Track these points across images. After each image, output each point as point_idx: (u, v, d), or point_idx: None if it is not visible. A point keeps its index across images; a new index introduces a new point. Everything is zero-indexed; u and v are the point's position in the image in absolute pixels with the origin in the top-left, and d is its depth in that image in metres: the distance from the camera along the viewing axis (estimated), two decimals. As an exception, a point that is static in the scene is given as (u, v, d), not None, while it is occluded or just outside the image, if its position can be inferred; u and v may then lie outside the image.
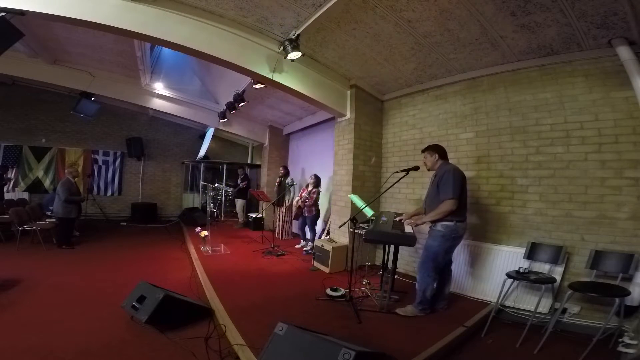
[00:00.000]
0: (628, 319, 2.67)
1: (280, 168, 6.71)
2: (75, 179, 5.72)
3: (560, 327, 2.91)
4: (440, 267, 3.10)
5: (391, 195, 4.89)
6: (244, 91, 5.88)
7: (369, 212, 3.74)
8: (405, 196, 4.75)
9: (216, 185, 8.35)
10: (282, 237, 6.75)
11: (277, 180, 6.69)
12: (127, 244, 6.11)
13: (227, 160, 9.59)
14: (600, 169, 3.03)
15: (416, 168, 3.35)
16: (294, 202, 5.91)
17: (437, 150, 3.22)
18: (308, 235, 5.84)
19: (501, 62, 3.68)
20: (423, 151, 3.34)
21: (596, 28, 2.82)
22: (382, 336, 2.66)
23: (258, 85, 4.87)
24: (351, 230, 3.78)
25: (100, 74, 6.46)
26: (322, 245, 4.72)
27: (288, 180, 6.35)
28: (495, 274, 3.48)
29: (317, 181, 5.58)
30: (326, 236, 5.58)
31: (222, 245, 5.61)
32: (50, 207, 6.28)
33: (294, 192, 6.57)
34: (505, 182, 3.69)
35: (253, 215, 8.15)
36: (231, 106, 6.45)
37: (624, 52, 2.81)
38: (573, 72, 3.26)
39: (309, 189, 5.55)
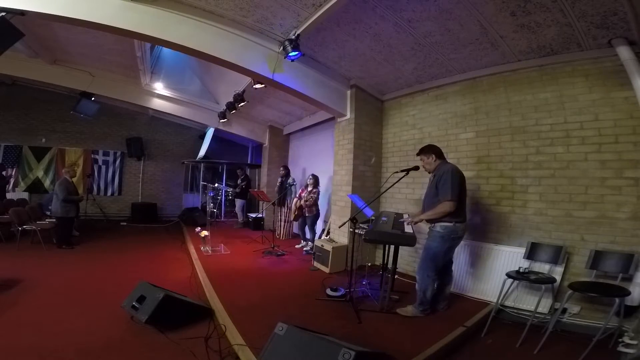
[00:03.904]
0: (628, 319, 2.67)
1: (281, 168, 6.70)
2: (73, 179, 5.72)
3: (560, 327, 2.91)
4: (439, 268, 3.09)
5: (391, 195, 4.89)
6: (244, 91, 5.87)
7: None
8: (405, 196, 4.75)
9: (216, 185, 8.35)
10: (282, 237, 6.76)
11: (279, 180, 6.69)
12: (127, 244, 6.12)
13: (227, 160, 9.59)
14: (600, 169, 3.03)
15: (416, 168, 3.34)
16: (294, 203, 5.91)
17: (433, 151, 3.19)
18: (308, 235, 5.84)
19: (501, 62, 3.68)
20: (418, 154, 3.30)
21: (596, 28, 2.82)
22: (382, 336, 2.66)
23: (258, 85, 4.87)
24: (351, 230, 3.78)
25: (100, 74, 6.46)
26: (322, 245, 4.72)
27: (289, 180, 6.35)
28: (495, 274, 3.48)
29: (315, 181, 5.58)
30: (326, 236, 5.58)
31: (222, 245, 5.61)
32: (50, 207, 6.28)
33: (295, 192, 6.57)
34: (505, 182, 3.69)
35: (253, 215, 8.16)
36: (231, 106, 6.45)
37: (624, 52, 2.81)
38: (573, 72, 3.26)
39: (309, 189, 5.55)
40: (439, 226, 2.99)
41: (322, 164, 6.50)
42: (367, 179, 5.05)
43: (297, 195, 5.83)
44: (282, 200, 6.49)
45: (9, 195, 7.23)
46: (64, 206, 5.24)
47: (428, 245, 3.08)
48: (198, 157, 9.44)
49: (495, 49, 3.47)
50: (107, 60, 5.94)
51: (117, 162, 9.29)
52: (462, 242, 3.39)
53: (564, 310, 2.95)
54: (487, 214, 3.79)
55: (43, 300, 3.20)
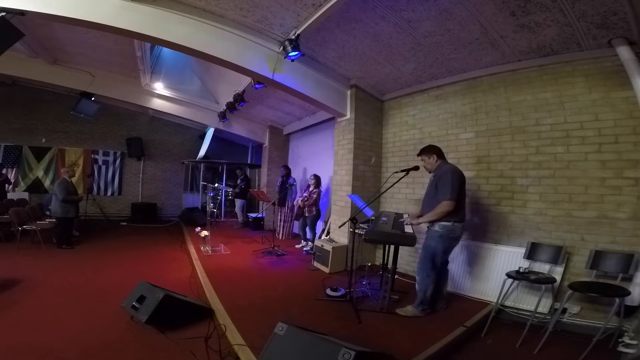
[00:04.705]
0: (628, 318, 2.67)
1: (282, 168, 6.70)
2: (72, 179, 5.72)
3: (560, 327, 2.91)
4: (438, 267, 3.10)
5: (391, 195, 4.89)
6: (244, 91, 5.87)
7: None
8: (405, 196, 4.75)
9: (216, 185, 8.36)
10: (282, 237, 6.76)
11: (279, 180, 6.68)
12: (127, 244, 6.11)
13: (227, 160, 9.59)
14: (600, 169, 3.03)
15: (416, 168, 3.35)
16: (295, 203, 5.91)
17: (434, 151, 3.20)
18: (308, 235, 5.84)
19: (501, 62, 3.68)
20: (419, 155, 3.31)
21: (596, 28, 2.82)
22: (382, 336, 2.66)
23: (258, 85, 4.87)
24: (351, 230, 3.78)
25: (100, 74, 6.46)
26: (322, 245, 4.72)
27: (290, 180, 6.35)
28: (495, 274, 3.48)
29: (317, 181, 5.58)
30: (326, 236, 5.58)
31: (222, 245, 5.61)
32: (50, 207, 6.28)
33: (295, 193, 6.57)
34: (505, 182, 3.69)
35: (253, 215, 8.15)
36: (231, 106, 6.45)
37: (624, 52, 2.81)
38: (573, 72, 3.26)
39: (310, 189, 5.56)
40: (437, 225, 3.00)
41: (322, 164, 6.50)
42: (367, 179, 5.05)
43: (300, 196, 5.82)
44: (282, 200, 6.49)
45: (9, 195, 7.23)
46: (63, 206, 5.24)
47: (427, 245, 3.08)
48: (198, 157, 9.44)
49: (495, 49, 3.47)
50: (107, 60, 5.94)
51: (117, 162, 9.29)
52: (462, 242, 3.39)
53: (564, 310, 2.96)
54: (487, 214, 3.79)
55: (43, 300, 3.20)
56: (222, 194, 8.88)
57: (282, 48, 3.77)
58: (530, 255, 3.26)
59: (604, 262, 2.84)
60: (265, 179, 8.54)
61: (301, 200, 5.59)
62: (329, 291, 3.53)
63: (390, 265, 3.42)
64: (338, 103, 4.92)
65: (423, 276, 3.06)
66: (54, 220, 5.48)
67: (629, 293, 2.54)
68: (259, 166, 9.38)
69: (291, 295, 3.56)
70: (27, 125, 8.26)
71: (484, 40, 3.36)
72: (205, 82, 7.90)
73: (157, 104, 7.48)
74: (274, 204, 6.24)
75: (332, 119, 5.49)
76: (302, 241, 5.98)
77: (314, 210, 5.50)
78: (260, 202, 8.28)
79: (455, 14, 3.06)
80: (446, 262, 3.27)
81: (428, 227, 3.14)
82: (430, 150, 3.22)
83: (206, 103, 7.95)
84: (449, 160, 3.30)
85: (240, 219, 8.49)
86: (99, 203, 8.64)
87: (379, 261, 4.73)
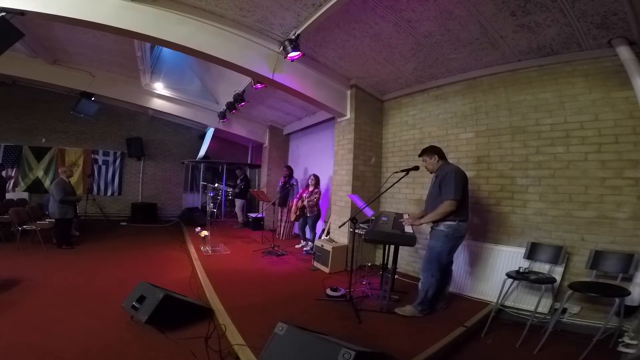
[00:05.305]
0: (628, 319, 2.67)
1: (284, 168, 6.68)
2: (71, 179, 5.70)
3: (560, 327, 2.91)
4: (444, 267, 3.10)
5: (391, 195, 4.89)
6: (244, 91, 5.87)
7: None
8: (405, 196, 4.75)
9: (216, 185, 8.35)
10: (282, 237, 6.75)
11: (282, 180, 6.67)
12: (127, 244, 6.11)
13: (227, 160, 9.59)
14: (600, 169, 3.03)
15: (416, 168, 3.35)
16: (293, 204, 5.91)
17: (436, 152, 3.21)
18: (308, 235, 5.84)
19: (501, 62, 3.68)
20: (420, 155, 3.31)
21: (596, 28, 2.82)
22: (382, 336, 2.66)
23: (258, 85, 4.87)
24: (351, 230, 3.78)
25: (100, 74, 6.46)
26: (322, 245, 4.72)
27: (292, 180, 6.34)
28: (495, 274, 3.48)
29: (317, 181, 5.58)
30: (326, 236, 5.58)
31: (222, 245, 5.61)
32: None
33: (296, 193, 6.57)
34: (505, 182, 3.69)
35: (253, 215, 8.15)
36: (231, 106, 6.45)
37: (624, 52, 2.81)
38: (573, 72, 3.26)
39: (310, 189, 5.55)
40: (442, 225, 3.00)
41: (322, 164, 6.50)
42: (367, 179, 5.05)
43: (298, 196, 5.83)
44: (283, 201, 6.47)
45: (8, 195, 7.23)
46: (61, 207, 5.21)
47: (432, 245, 3.07)
48: (198, 157, 9.44)
49: (495, 49, 3.47)
50: (107, 60, 5.94)
51: (117, 162, 9.28)
52: (462, 242, 3.38)
53: (564, 310, 2.96)
54: (487, 214, 3.79)
55: (43, 300, 3.20)
56: (222, 194, 8.88)
57: (282, 48, 3.76)
58: (530, 255, 3.26)
59: (604, 262, 2.84)
60: (265, 179, 8.54)
61: (307, 201, 5.56)
62: (329, 291, 3.53)
63: (390, 265, 3.42)
64: (338, 103, 4.92)
65: (427, 276, 3.05)
66: (54, 220, 5.48)
67: (629, 293, 2.54)
68: (259, 166, 9.38)
69: (291, 295, 3.56)
70: (27, 125, 8.26)
71: (484, 40, 3.36)
72: (205, 82, 7.90)
73: (157, 104, 7.48)
74: (274, 204, 6.24)
75: (332, 119, 5.49)
76: (302, 241, 5.98)
77: (314, 211, 5.50)
78: (260, 202, 8.28)
79: (455, 14, 3.06)
80: (451, 262, 3.27)
81: (432, 227, 3.13)
82: (432, 150, 3.23)
83: (206, 103, 7.94)
84: (449, 161, 3.30)
85: (240, 219, 8.49)
86: (99, 203, 8.64)
87: (379, 261, 4.73)
